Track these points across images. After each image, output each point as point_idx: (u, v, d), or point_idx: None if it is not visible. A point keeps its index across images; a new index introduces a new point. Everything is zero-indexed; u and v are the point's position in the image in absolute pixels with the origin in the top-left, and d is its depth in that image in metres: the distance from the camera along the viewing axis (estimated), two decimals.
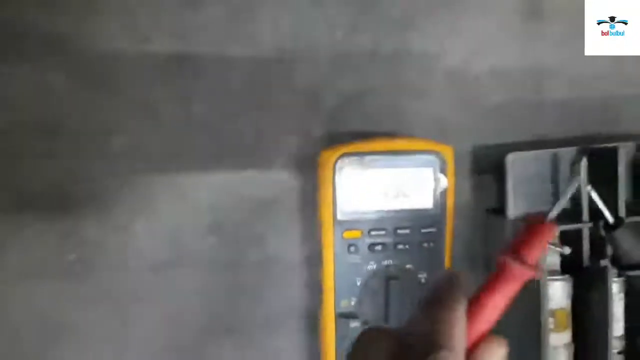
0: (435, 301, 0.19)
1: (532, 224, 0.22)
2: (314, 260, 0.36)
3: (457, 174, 0.36)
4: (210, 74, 0.36)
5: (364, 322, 0.35)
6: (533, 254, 0.21)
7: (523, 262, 0.21)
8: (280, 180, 0.37)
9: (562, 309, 0.36)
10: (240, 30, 0.36)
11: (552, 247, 0.36)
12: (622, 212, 0.35)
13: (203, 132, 0.36)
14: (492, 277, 0.21)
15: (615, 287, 0.36)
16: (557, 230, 0.21)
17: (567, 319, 0.36)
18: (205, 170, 0.36)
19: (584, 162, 0.35)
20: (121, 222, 0.35)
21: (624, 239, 0.23)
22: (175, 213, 0.36)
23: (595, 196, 0.22)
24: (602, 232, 0.35)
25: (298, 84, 0.37)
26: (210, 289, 0.37)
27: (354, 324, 0.35)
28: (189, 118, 0.36)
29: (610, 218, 0.22)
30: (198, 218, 0.36)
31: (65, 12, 0.34)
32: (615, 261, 0.23)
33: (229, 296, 0.37)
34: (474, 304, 0.20)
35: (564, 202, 0.21)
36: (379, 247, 0.35)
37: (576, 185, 0.22)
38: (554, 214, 0.22)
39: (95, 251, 0.35)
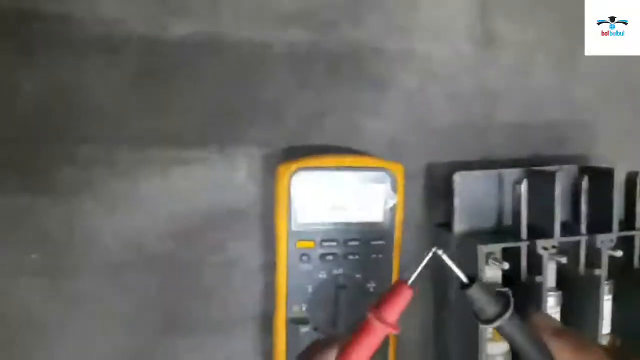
0: (313, 350, 0.25)
1: (394, 286, 0.25)
2: (271, 266, 0.38)
3: (410, 190, 0.38)
4: (178, 83, 0.38)
5: (314, 328, 0.37)
6: (392, 313, 0.24)
7: (383, 320, 0.24)
8: (242, 189, 0.39)
9: None
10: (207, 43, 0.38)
11: (494, 262, 0.38)
12: (557, 233, 0.37)
13: (165, 139, 0.38)
14: (360, 328, 0.24)
15: (551, 301, 0.39)
16: (413, 293, 0.25)
17: None
18: (168, 175, 0.38)
19: (524, 183, 0.37)
20: (83, 223, 0.37)
21: (477, 297, 0.24)
22: (136, 216, 0.37)
23: (446, 259, 0.25)
24: (540, 250, 0.37)
25: (263, 98, 0.39)
26: (167, 291, 0.39)
27: (305, 329, 0.37)
28: (153, 126, 0.37)
29: (463, 278, 0.25)
30: (159, 222, 0.38)
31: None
32: (475, 316, 0.26)
33: (186, 299, 0.39)
34: (345, 351, 0.24)
35: (420, 269, 0.24)
36: (330, 257, 0.37)
37: (432, 253, 0.25)
38: (412, 278, 0.24)
39: (56, 251, 0.37)
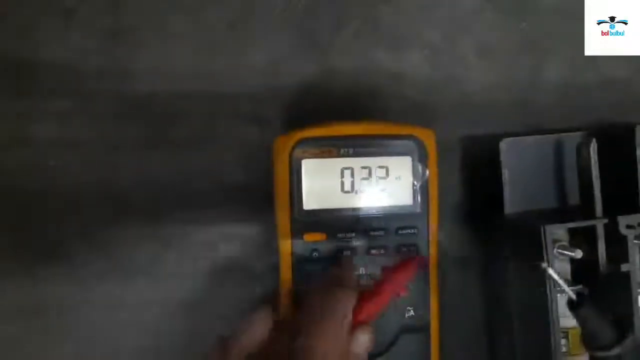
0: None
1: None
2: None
3: (441, 169, 0.30)
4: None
5: None
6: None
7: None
8: (233, 175, 0.32)
9: (576, 327, 0.29)
10: None
11: (562, 250, 0.30)
12: None
13: (152, 119, 0.32)
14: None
15: None
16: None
17: None
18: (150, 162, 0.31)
19: (593, 145, 0.29)
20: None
21: (590, 317, 0.20)
22: None
23: (553, 274, 0.19)
24: (623, 230, 0.28)
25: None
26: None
27: None
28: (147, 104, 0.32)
29: (572, 295, 0.19)
30: None
31: None
32: (585, 343, 0.20)
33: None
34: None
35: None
36: (347, 253, 0.28)
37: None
38: None
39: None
